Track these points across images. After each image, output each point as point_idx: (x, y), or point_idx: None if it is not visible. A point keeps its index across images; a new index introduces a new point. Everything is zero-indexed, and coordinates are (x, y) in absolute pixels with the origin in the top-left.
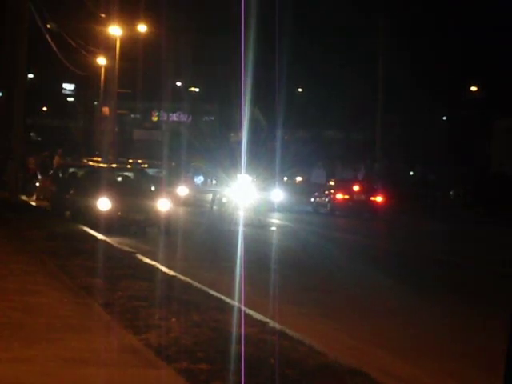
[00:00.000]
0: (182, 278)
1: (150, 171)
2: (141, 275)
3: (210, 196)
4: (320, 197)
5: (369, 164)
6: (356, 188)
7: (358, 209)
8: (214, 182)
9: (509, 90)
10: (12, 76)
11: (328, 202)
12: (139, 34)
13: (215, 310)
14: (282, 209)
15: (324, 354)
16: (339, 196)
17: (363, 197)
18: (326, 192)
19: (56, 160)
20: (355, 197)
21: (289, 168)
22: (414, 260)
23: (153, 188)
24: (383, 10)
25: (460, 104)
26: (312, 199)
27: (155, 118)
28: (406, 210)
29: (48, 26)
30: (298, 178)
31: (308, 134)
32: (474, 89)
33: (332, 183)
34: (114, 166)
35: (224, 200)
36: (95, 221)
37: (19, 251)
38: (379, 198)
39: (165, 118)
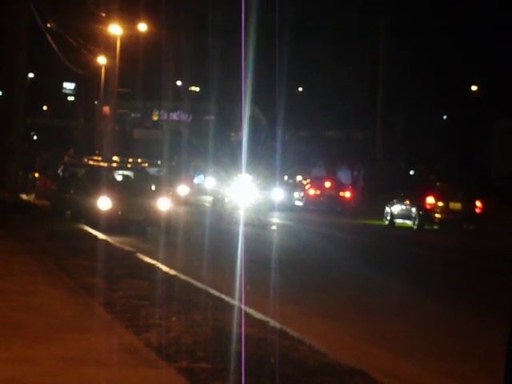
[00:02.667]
0: (183, 277)
1: (151, 170)
2: (141, 275)
3: (211, 196)
4: (298, 192)
5: (368, 164)
6: (327, 184)
7: (329, 203)
8: (214, 181)
9: (509, 90)
10: (12, 75)
11: (302, 197)
12: (139, 33)
13: (215, 310)
14: (282, 208)
15: (324, 353)
16: (311, 192)
17: (333, 192)
18: (303, 188)
19: (66, 159)
20: (326, 192)
21: (289, 167)
22: (414, 259)
23: (153, 187)
24: (383, 9)
25: (460, 104)
26: (293, 194)
27: (155, 118)
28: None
29: (48, 25)
30: (299, 178)
31: (308, 134)
32: (474, 89)
33: (308, 180)
34: (114, 165)
35: (225, 199)
36: (95, 220)
37: (20, 251)
38: (348, 194)
39: (165, 118)
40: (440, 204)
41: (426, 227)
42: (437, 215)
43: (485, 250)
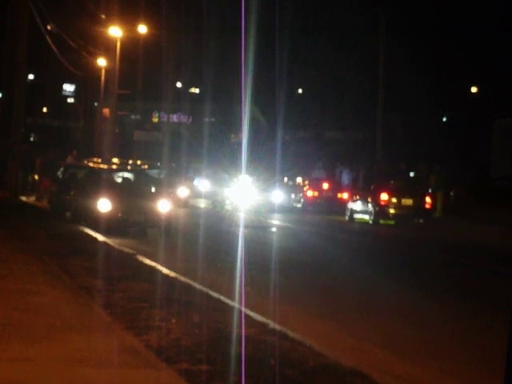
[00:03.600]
0: (183, 279)
1: (151, 172)
2: (141, 276)
3: (206, 199)
4: (296, 194)
5: (368, 164)
6: (325, 186)
7: (327, 205)
8: (208, 184)
9: (509, 90)
10: (12, 77)
11: (301, 198)
12: (139, 35)
13: (215, 311)
14: (282, 209)
15: (324, 354)
16: (310, 193)
17: (331, 194)
18: (301, 190)
19: (69, 160)
20: (324, 194)
21: (289, 169)
22: (414, 260)
23: (153, 189)
24: (383, 10)
25: (460, 104)
26: (292, 196)
27: (155, 119)
28: None
29: (48, 26)
30: (299, 179)
31: (308, 135)
32: (474, 89)
33: (306, 181)
34: (114, 167)
35: (225, 201)
36: (96, 222)
37: (20, 251)
38: (345, 195)
39: (165, 119)
40: (393, 200)
41: (381, 222)
42: (391, 210)
43: (427, 243)
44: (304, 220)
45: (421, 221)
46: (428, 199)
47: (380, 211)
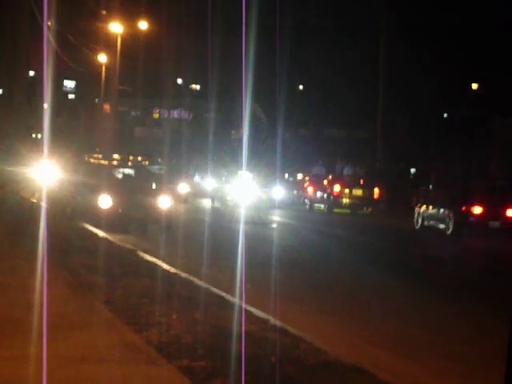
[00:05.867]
0: (183, 275)
1: (151, 168)
2: (142, 272)
3: (210, 197)
4: (297, 190)
5: (369, 162)
6: (325, 183)
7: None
8: (214, 182)
9: (509, 90)
10: (12, 73)
11: (301, 195)
12: (140, 31)
13: (216, 308)
14: (282, 206)
15: (325, 351)
16: (310, 190)
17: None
18: (301, 186)
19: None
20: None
21: (290, 165)
22: (413, 258)
23: (154, 185)
24: (384, 8)
25: (460, 103)
26: (293, 192)
27: (156, 115)
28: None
29: (49, 22)
30: (299, 176)
31: (309, 132)
32: (474, 87)
33: (307, 178)
34: (115, 163)
35: (226, 197)
36: (96, 218)
37: (20, 247)
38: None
39: (166, 115)
40: (346, 191)
41: (335, 210)
42: (344, 200)
43: (367, 229)
44: (304, 216)
45: (369, 209)
46: (376, 190)
47: (334, 201)
